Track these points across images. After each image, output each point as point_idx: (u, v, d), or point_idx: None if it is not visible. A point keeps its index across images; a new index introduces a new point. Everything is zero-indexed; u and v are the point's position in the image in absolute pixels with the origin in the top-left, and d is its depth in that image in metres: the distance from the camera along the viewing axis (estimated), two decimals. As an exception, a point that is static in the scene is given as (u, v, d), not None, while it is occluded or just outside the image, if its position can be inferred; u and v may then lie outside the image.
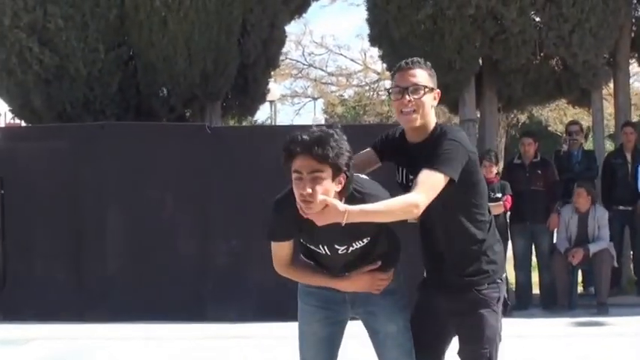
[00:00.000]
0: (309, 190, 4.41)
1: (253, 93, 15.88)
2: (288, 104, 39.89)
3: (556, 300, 12.88)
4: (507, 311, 12.35)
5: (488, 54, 14.49)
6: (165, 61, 14.32)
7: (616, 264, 13.06)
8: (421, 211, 4.54)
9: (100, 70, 14.18)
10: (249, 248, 12.23)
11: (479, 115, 15.77)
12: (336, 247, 4.82)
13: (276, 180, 11.74)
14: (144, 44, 14.39)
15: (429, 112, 4.91)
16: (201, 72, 14.36)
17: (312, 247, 4.91)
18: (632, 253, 13.87)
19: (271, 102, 31.26)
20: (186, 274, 12.52)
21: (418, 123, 4.86)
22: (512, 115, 31.72)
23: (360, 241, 4.82)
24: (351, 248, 4.84)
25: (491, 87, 15.10)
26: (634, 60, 16.05)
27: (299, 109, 39.41)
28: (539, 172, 13.25)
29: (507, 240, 12.99)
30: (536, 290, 13.41)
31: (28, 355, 10.08)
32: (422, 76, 4.92)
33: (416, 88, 4.85)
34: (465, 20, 14.00)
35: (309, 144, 4.46)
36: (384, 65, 16.24)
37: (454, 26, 13.99)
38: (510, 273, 13.48)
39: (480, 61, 14.83)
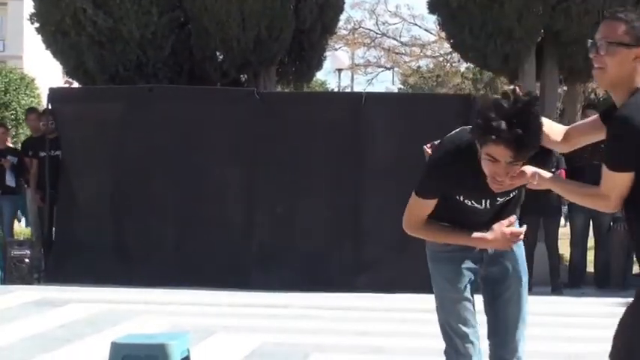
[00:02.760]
0: (504, 178, 4.16)
1: (309, 59, 15.47)
2: (361, 73, 39.32)
3: (610, 280, 12.32)
4: (559, 289, 11.90)
5: (549, 24, 13.87)
6: (218, 25, 13.95)
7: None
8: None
9: (153, 33, 13.87)
10: (295, 214, 11.91)
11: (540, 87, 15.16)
12: (498, 199, 4.55)
13: (324, 146, 11.47)
14: (197, 8, 14.03)
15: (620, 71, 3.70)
16: (254, 37, 13.98)
17: (472, 202, 4.55)
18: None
19: (339, 70, 30.81)
20: (233, 241, 12.20)
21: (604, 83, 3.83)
22: (590, 90, 30.90)
23: (515, 191, 4.61)
24: (506, 198, 4.60)
25: (552, 58, 14.45)
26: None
27: (371, 79, 38.56)
28: (602, 146, 12.64)
29: (560, 215, 12.43)
30: (590, 269, 12.85)
31: (65, 316, 9.81)
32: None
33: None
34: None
35: (519, 144, 4.04)
36: (444, 33, 15.64)
37: (513, -6, 13.40)
38: (565, 250, 12.98)
39: (542, 31, 14.21)
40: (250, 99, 12.47)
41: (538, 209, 12.13)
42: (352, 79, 39.73)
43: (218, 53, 14.32)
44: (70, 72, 14.90)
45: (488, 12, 13.60)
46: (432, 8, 14.94)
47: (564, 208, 13.45)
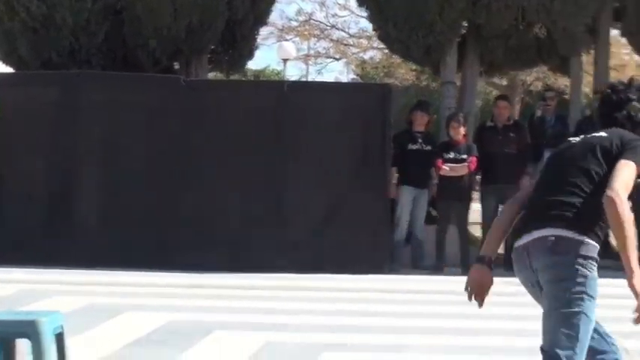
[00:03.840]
0: None
1: (241, 48, 15.56)
2: (312, 64, 39.44)
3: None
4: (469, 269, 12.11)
5: (471, 18, 14.08)
6: (151, 13, 14.02)
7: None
8: None
9: (86, 19, 13.91)
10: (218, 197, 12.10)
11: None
12: None
13: (248, 131, 11.63)
14: (131, -4, 14.08)
15: None
16: (186, 26, 14.06)
17: None
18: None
19: (285, 60, 30.96)
20: (157, 223, 12.30)
21: None
22: (529, 83, 31.29)
23: None
24: None
25: (474, 51, 14.71)
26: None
27: (321, 69, 38.66)
28: (512, 135, 12.95)
29: (471, 200, 12.68)
30: (501, 251, 13.07)
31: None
32: None
33: None
34: (448, -17, 13.63)
35: None
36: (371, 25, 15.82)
37: (435, -11, 13.62)
38: (477, 233, 13.23)
39: (465, 25, 14.43)
40: (177, 86, 12.56)
41: (450, 194, 12.39)
42: (307, 70, 39.95)
43: (151, 41, 14.33)
44: (3, 58, 14.91)
45: (412, 5, 13.80)
46: (361, 1, 15.13)
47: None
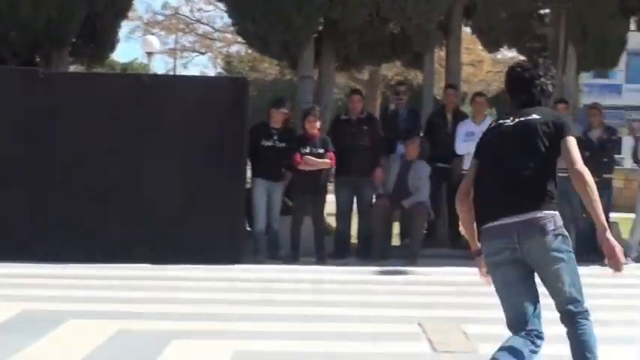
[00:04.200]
0: None
1: (102, 41, 15.55)
2: (178, 57, 39.38)
3: (371, 250, 12.94)
4: (323, 258, 12.44)
5: (328, 14, 14.35)
6: (10, 6, 13.88)
7: (432, 217, 13.21)
8: None
9: (-56, 11, 13.69)
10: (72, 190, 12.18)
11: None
12: None
13: (105, 123, 11.62)
14: (-11, -11, 13.95)
15: None
16: (46, 19, 13.97)
17: None
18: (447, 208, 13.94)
19: (149, 54, 30.87)
20: (15, 214, 12.24)
21: None
22: (390, 77, 31.86)
23: None
24: None
25: (330, 46, 14.99)
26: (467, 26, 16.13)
27: (186, 63, 38.66)
28: (366, 128, 13.26)
29: (326, 193, 12.94)
30: (355, 240, 13.45)
31: None
32: None
33: None
34: (304, -20, 13.87)
35: None
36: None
37: (294, -15, 13.85)
38: (332, 223, 13.52)
39: (321, 20, 14.67)
40: (35, 78, 12.49)
41: (306, 187, 12.65)
42: (174, 64, 39.86)
43: (11, 34, 14.20)
44: None
45: (270, 1, 13.97)
46: (219, -4, 15.28)
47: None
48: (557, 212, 5.34)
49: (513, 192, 5.32)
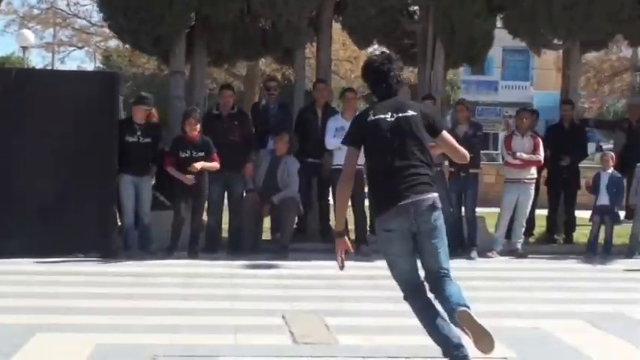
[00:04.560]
0: None
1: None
2: (56, 52, 38.85)
3: (241, 244, 13.01)
4: (195, 253, 12.46)
5: (199, 10, 14.32)
6: None
7: (302, 212, 13.34)
8: None
9: None
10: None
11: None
12: None
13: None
14: None
15: None
16: None
17: None
18: (318, 202, 14.08)
19: (24, 48, 30.38)
20: None
21: None
22: (269, 73, 31.88)
23: None
24: None
25: (202, 42, 14.94)
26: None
27: (63, 57, 38.12)
28: (236, 123, 13.29)
29: (206, 190, 12.87)
30: (226, 235, 13.48)
31: None
32: None
33: None
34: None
35: None
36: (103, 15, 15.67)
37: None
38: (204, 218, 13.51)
39: (193, 15, 14.63)
40: None
41: (187, 193, 12.60)
42: (52, 58, 39.28)
43: None
44: None
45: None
46: (91, -9, 15.11)
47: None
48: (437, 194, 6.29)
49: (409, 178, 6.18)
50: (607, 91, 42.71)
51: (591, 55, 30.45)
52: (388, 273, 6.46)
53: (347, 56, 32.40)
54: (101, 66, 45.34)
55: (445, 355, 6.18)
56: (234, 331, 7.97)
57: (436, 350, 6.32)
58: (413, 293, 6.35)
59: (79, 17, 35.11)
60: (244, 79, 30.31)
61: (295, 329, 8.04)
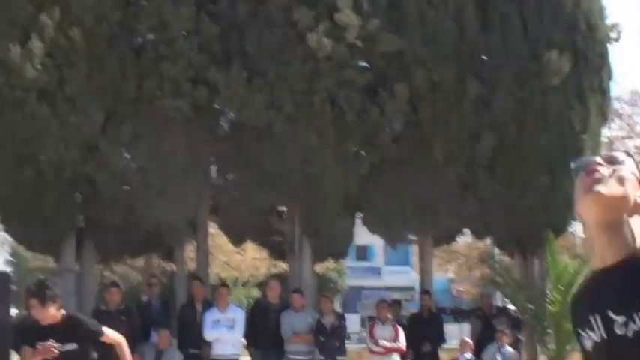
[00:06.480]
0: None
1: None
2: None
3: None
4: None
5: (87, 213, 15.39)
6: None
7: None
8: None
9: None
10: None
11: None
12: None
13: None
14: None
15: None
16: None
17: None
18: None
19: None
20: None
21: None
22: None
23: None
24: None
25: (91, 241, 15.93)
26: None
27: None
28: (124, 318, 14.03)
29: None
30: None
31: None
32: None
33: None
34: (64, 183, 14.90)
35: None
36: None
37: (53, 189, 14.87)
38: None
39: (82, 218, 15.69)
40: None
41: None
42: None
43: None
44: None
45: (31, 201, 14.85)
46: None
47: None
48: None
49: None
50: (478, 275, 44.33)
51: (461, 242, 31.94)
52: None
53: (236, 249, 33.44)
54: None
55: None
56: None
57: None
58: None
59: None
60: (141, 270, 31.04)
61: None
